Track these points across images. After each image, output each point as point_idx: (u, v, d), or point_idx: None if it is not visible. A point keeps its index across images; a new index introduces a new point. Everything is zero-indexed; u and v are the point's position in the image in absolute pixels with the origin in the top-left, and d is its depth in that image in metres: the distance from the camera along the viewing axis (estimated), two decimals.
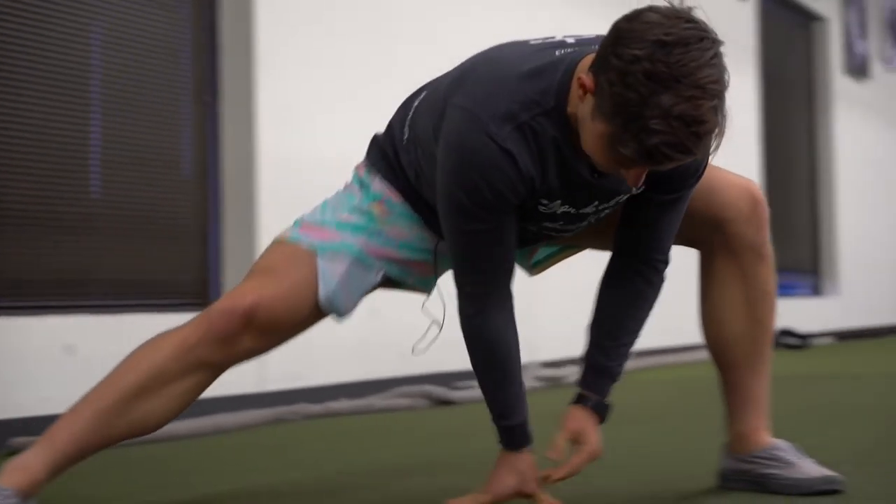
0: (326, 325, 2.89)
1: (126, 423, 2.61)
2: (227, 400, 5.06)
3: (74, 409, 2.63)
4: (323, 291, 2.65)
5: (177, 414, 2.67)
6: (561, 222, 2.56)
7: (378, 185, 2.71)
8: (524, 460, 2.61)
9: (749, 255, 2.73)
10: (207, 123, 5.56)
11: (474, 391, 5.69)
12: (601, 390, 2.66)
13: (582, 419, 2.62)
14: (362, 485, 3.11)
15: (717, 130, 2.23)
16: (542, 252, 2.86)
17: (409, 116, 2.71)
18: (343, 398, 5.36)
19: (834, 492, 2.64)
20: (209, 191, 5.55)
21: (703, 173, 2.57)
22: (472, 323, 2.55)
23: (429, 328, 2.75)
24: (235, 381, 5.22)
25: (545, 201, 2.49)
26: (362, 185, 2.75)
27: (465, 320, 2.56)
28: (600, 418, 2.64)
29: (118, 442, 2.66)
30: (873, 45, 13.00)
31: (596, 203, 2.53)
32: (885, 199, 13.30)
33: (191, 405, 2.69)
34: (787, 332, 10.13)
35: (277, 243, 2.73)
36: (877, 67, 13.05)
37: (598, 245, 2.80)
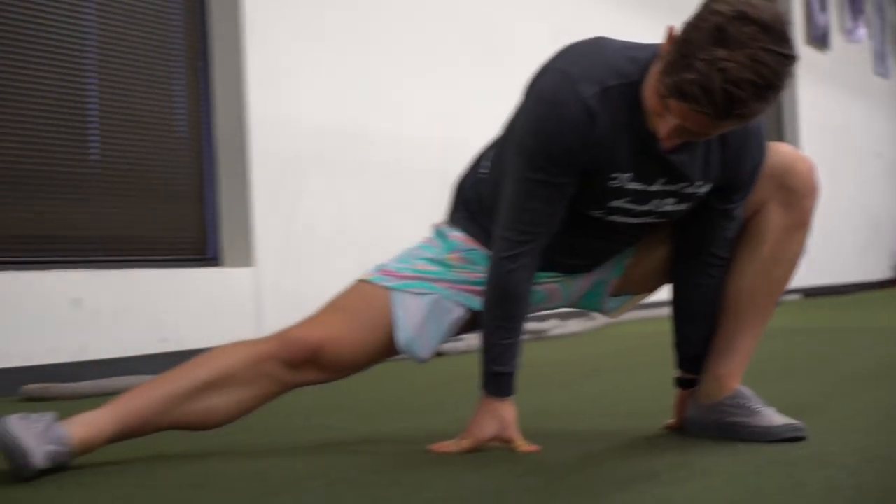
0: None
1: (189, 411, 2.65)
2: None
3: (144, 388, 2.67)
4: (401, 338, 2.71)
5: (237, 416, 2.71)
6: (629, 199, 2.59)
7: (455, 236, 2.78)
8: (506, 408, 2.64)
9: (795, 216, 2.73)
10: (200, 87, 5.56)
11: (461, 343, 5.72)
12: (699, 370, 2.82)
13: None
14: (355, 431, 3.13)
15: (745, 110, 2.31)
16: (618, 300, 2.90)
17: (492, 154, 2.77)
18: None
19: (797, 439, 2.65)
20: (203, 152, 5.55)
21: (753, 186, 2.66)
22: (500, 265, 2.60)
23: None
24: (235, 334, 5.25)
25: (616, 174, 2.55)
26: (441, 236, 2.82)
27: (495, 262, 2.61)
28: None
29: (176, 427, 2.67)
30: (833, 17, 13.00)
31: (663, 181, 2.57)
32: (845, 165, 13.32)
33: (253, 411, 2.74)
34: None
35: (357, 283, 2.80)
36: (836, 39, 13.05)
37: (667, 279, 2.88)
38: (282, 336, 2.72)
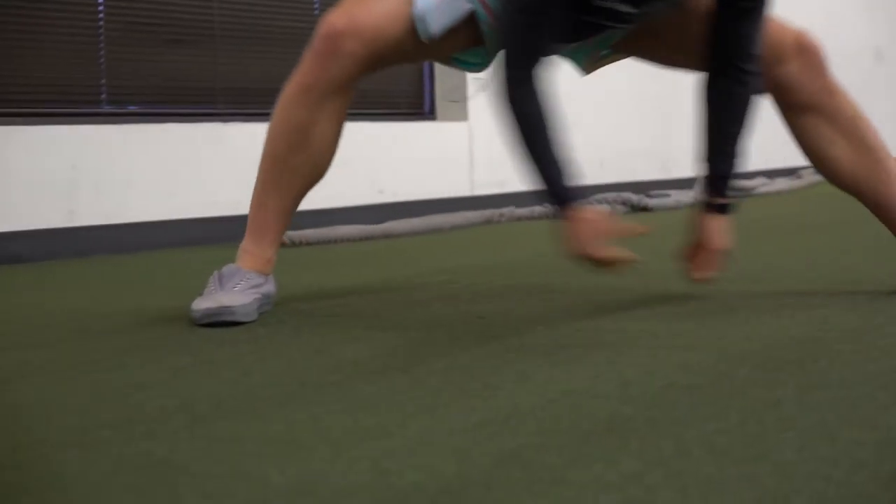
0: None
1: (296, 176, 2.66)
2: (441, 202, 5.12)
3: (253, 191, 2.71)
4: (419, 6, 2.58)
5: (335, 142, 2.68)
6: (615, 20, 2.53)
7: None
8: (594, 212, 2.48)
9: (814, 97, 2.68)
10: None
11: (667, 199, 5.68)
12: (724, 193, 2.69)
13: (713, 221, 2.69)
14: (570, 280, 3.13)
15: None
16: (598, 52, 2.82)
17: None
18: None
19: None
20: None
21: None
22: (511, 106, 2.44)
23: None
24: (449, 186, 5.30)
25: None
26: None
27: (506, 104, 2.46)
28: (727, 215, 2.70)
29: (301, 191, 2.69)
30: None
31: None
32: None
33: (341, 130, 2.68)
34: None
35: None
36: None
37: (661, 57, 2.81)
38: (311, 48, 2.61)
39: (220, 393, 1.85)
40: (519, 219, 5.12)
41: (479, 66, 2.77)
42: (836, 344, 2.12)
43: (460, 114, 5.50)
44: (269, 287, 2.63)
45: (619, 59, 2.90)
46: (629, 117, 6.24)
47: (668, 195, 5.89)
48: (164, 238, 4.38)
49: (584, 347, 2.14)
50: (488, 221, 5.01)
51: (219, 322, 2.48)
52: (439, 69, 5.57)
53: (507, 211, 5.12)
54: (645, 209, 5.56)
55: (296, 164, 2.65)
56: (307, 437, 1.56)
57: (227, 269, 2.62)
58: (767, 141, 7.67)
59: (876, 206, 2.76)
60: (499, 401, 1.74)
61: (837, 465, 1.39)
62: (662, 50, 2.79)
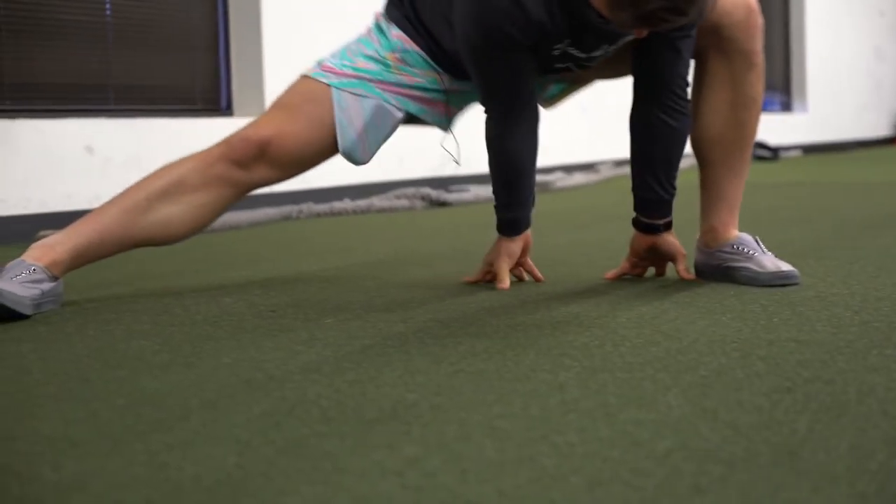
0: None
1: (147, 223, 2.63)
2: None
3: (102, 206, 2.67)
4: (343, 143, 2.69)
5: (197, 225, 2.69)
6: (572, 63, 2.63)
7: (396, 34, 2.73)
8: (517, 243, 2.75)
9: (739, 60, 2.70)
10: None
11: (466, 194, 5.72)
12: (664, 214, 2.76)
13: (660, 241, 2.78)
14: (365, 274, 3.12)
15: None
16: (554, 88, 2.89)
17: None
18: (346, 199, 5.35)
19: (788, 286, 2.62)
20: (217, 1, 5.47)
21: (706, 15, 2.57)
22: (491, 137, 2.68)
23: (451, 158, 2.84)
24: None
25: (558, 46, 2.55)
26: (381, 32, 2.76)
27: (487, 135, 2.68)
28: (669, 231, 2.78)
29: (138, 244, 2.67)
30: None
31: (605, 46, 2.59)
32: (852, 20, 13.17)
33: (213, 220, 2.72)
34: (758, 145, 10.15)
35: (299, 78, 2.75)
36: None
37: (607, 75, 2.85)
38: (229, 140, 2.70)
39: None
40: (318, 215, 5.10)
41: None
42: (621, 329, 2.15)
43: (257, 109, 5.43)
44: (54, 286, 2.53)
45: (573, 92, 2.95)
46: None
47: (467, 190, 5.93)
48: None
49: (373, 339, 2.13)
50: (287, 218, 4.97)
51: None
52: (237, 64, 5.50)
53: (306, 207, 5.09)
54: (444, 204, 5.59)
55: (159, 209, 2.62)
56: (84, 434, 1.52)
57: (11, 263, 2.52)
58: (566, 136, 7.79)
59: (708, 183, 2.79)
60: (284, 392, 1.72)
61: (615, 444, 1.41)
62: (608, 72, 2.83)
